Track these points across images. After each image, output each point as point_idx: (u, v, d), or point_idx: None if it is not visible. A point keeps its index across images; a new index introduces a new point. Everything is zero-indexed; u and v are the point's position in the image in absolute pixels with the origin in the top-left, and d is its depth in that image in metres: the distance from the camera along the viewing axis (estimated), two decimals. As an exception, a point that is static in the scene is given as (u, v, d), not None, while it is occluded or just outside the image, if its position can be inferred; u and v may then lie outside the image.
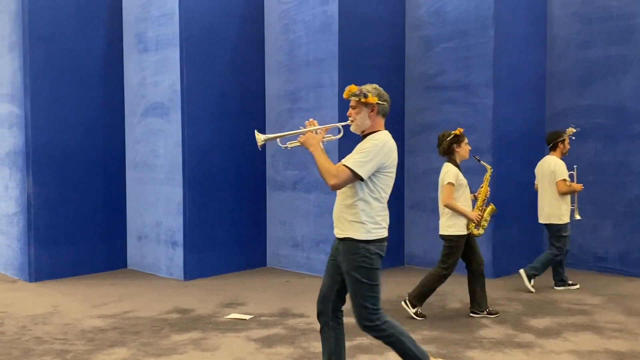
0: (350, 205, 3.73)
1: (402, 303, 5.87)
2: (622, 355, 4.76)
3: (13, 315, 5.97)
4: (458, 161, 5.84)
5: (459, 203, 5.73)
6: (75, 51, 7.72)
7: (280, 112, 8.17)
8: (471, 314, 5.88)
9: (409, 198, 8.44)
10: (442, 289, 7.03)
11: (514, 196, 7.88)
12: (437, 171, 8.35)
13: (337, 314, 3.93)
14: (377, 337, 3.83)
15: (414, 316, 5.76)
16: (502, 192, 7.63)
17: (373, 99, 3.81)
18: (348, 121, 3.90)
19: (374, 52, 7.99)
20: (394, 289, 7.05)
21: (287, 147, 3.95)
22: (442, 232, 5.84)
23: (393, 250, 8.33)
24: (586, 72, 8.06)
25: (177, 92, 7.46)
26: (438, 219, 8.29)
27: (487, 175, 6.04)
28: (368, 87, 3.87)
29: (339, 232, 3.80)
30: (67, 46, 7.64)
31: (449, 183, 5.69)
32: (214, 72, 7.77)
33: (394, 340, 3.80)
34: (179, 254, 7.58)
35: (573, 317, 5.84)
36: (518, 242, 7.98)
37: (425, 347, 4.93)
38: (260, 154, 8.28)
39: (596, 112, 7.98)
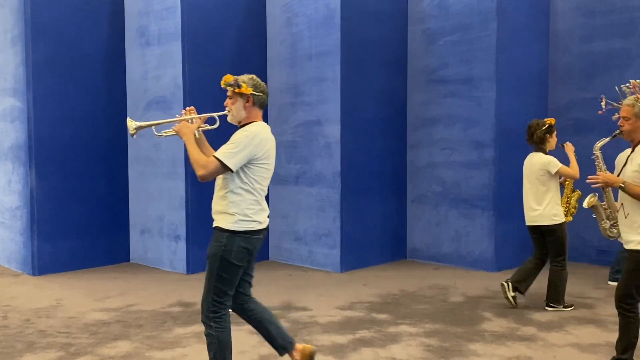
0: (222, 197, 3.72)
1: (547, 307, 5.85)
2: (624, 348, 4.76)
3: (17, 308, 6.00)
4: (547, 150, 5.88)
5: (551, 192, 5.77)
6: (78, 45, 7.71)
7: (283, 106, 8.16)
8: (547, 307, 5.88)
9: (411, 192, 8.44)
10: (443, 282, 7.05)
11: (517, 189, 7.85)
12: (439, 165, 8.39)
13: (241, 300, 3.87)
14: (206, 333, 3.75)
15: (567, 309, 5.81)
16: (504, 185, 7.62)
17: (248, 90, 3.77)
18: (225, 111, 3.86)
19: (377, 45, 7.97)
20: (396, 282, 7.06)
21: (161, 135, 3.98)
22: (544, 222, 5.80)
23: (395, 243, 8.36)
24: (589, 66, 8.03)
25: (180, 87, 7.46)
26: (439, 213, 8.32)
27: None
28: (244, 78, 3.83)
29: (214, 223, 3.78)
30: (70, 40, 7.64)
31: (562, 166, 5.72)
32: (216, 66, 7.76)
33: (212, 342, 3.73)
34: (181, 247, 7.60)
35: (575, 310, 5.84)
36: (520, 236, 7.96)
37: (428, 340, 4.95)
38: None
39: (599, 105, 7.94)
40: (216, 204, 3.79)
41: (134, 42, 8.06)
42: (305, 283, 7.07)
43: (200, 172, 3.62)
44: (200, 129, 3.95)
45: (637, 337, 4.08)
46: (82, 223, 7.83)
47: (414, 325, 5.37)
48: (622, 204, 4.12)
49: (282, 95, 8.15)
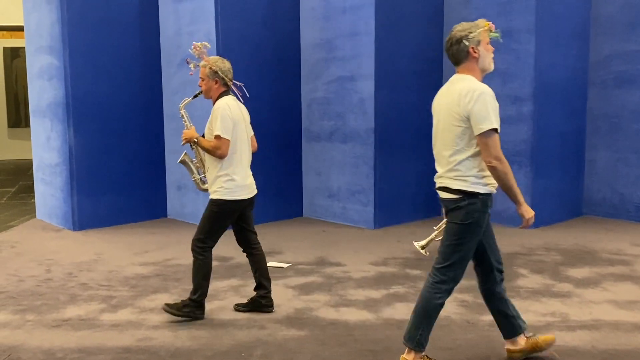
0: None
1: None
2: (663, 305, 4.71)
3: (59, 262, 6.18)
4: None
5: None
6: (112, 1, 7.70)
7: (316, 61, 8.08)
8: None
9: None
10: (479, 238, 7.00)
11: (555, 145, 7.72)
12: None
13: None
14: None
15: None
16: (542, 141, 7.47)
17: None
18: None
19: (412, -2, 7.78)
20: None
21: None
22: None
23: (429, 200, 8.29)
24: (632, 16, 7.71)
25: (213, 43, 7.41)
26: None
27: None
28: None
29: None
30: (103, -3, 7.64)
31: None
32: (249, 21, 7.69)
33: None
34: (217, 203, 7.67)
35: (613, 267, 5.77)
36: (558, 192, 7.85)
37: (462, 296, 4.96)
38: (295, 104, 8.24)
39: (631, 58, 7.68)
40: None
41: (167, -3, 8.01)
42: (339, 239, 7.11)
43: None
44: None
45: (207, 280, 4.51)
46: (120, 179, 7.96)
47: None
48: (205, 159, 4.54)
49: (315, 51, 8.05)
